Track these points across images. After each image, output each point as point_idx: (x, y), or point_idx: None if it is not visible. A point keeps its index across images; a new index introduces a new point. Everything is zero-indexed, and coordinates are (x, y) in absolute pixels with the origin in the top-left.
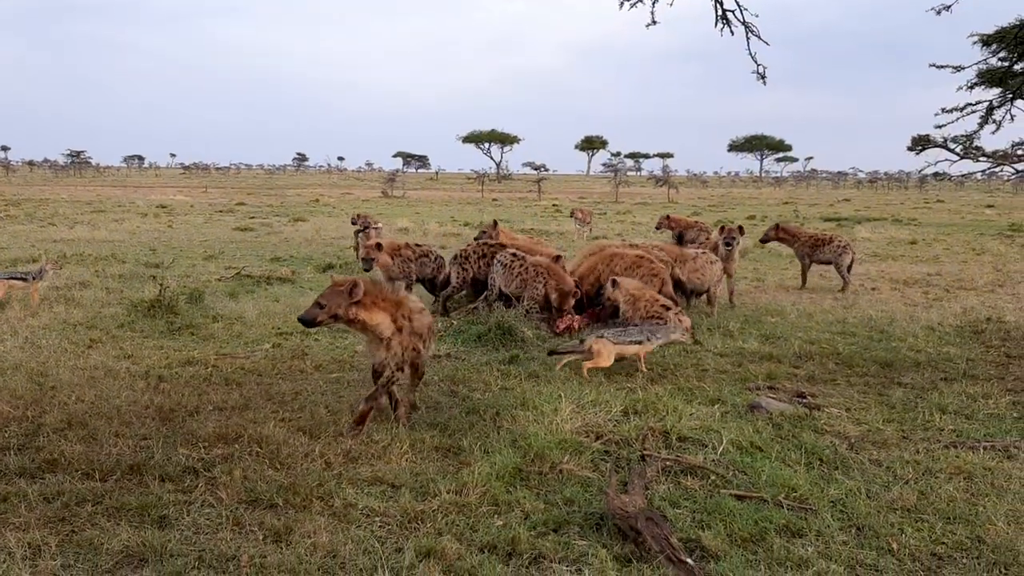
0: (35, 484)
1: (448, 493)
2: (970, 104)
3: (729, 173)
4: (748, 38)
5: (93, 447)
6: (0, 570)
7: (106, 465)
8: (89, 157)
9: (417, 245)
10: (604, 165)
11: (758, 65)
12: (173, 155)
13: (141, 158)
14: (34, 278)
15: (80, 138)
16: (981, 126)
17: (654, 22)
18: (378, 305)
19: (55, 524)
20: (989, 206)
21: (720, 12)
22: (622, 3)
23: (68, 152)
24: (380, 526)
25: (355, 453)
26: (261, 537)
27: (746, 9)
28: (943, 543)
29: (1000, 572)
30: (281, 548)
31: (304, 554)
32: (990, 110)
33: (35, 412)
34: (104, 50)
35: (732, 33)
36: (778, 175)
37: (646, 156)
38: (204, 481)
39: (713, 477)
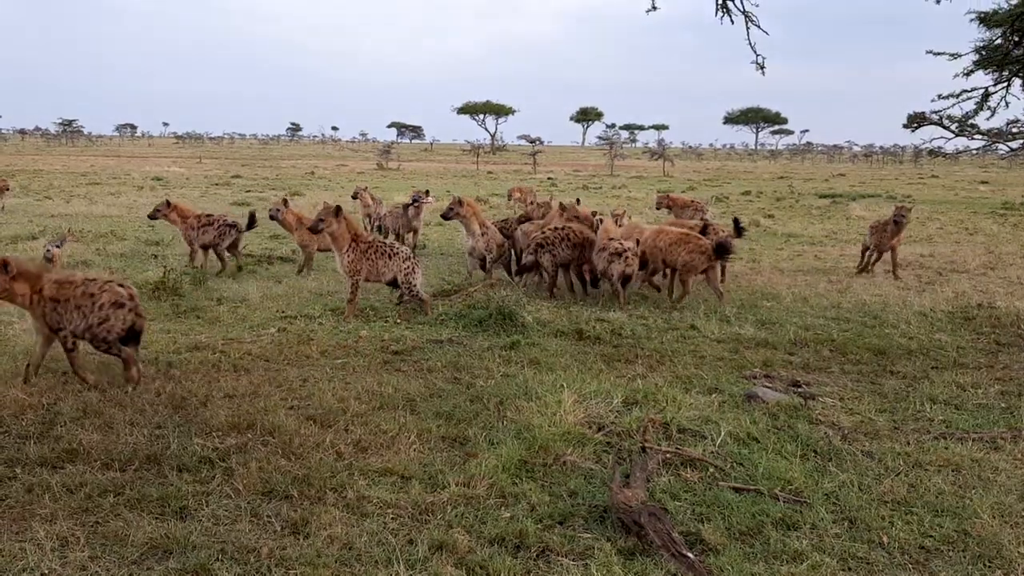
0: (57, 474)
1: (456, 485)
2: (965, 91)
3: (725, 146)
4: (748, 28)
5: (110, 436)
6: (32, 562)
7: (124, 455)
8: (81, 126)
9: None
10: (599, 138)
11: (757, 55)
12: (166, 124)
13: (133, 127)
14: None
15: (71, 106)
16: (976, 112)
17: None
18: (23, 276)
19: (80, 515)
20: (983, 182)
21: (720, 1)
22: None
23: (60, 121)
24: (392, 518)
25: (365, 443)
26: (279, 529)
27: None
28: (931, 536)
29: (984, 565)
30: (299, 540)
31: (322, 547)
32: (985, 97)
33: (50, 399)
34: (93, 14)
35: (732, 22)
36: (773, 148)
37: (641, 128)
38: (220, 471)
39: (712, 469)
